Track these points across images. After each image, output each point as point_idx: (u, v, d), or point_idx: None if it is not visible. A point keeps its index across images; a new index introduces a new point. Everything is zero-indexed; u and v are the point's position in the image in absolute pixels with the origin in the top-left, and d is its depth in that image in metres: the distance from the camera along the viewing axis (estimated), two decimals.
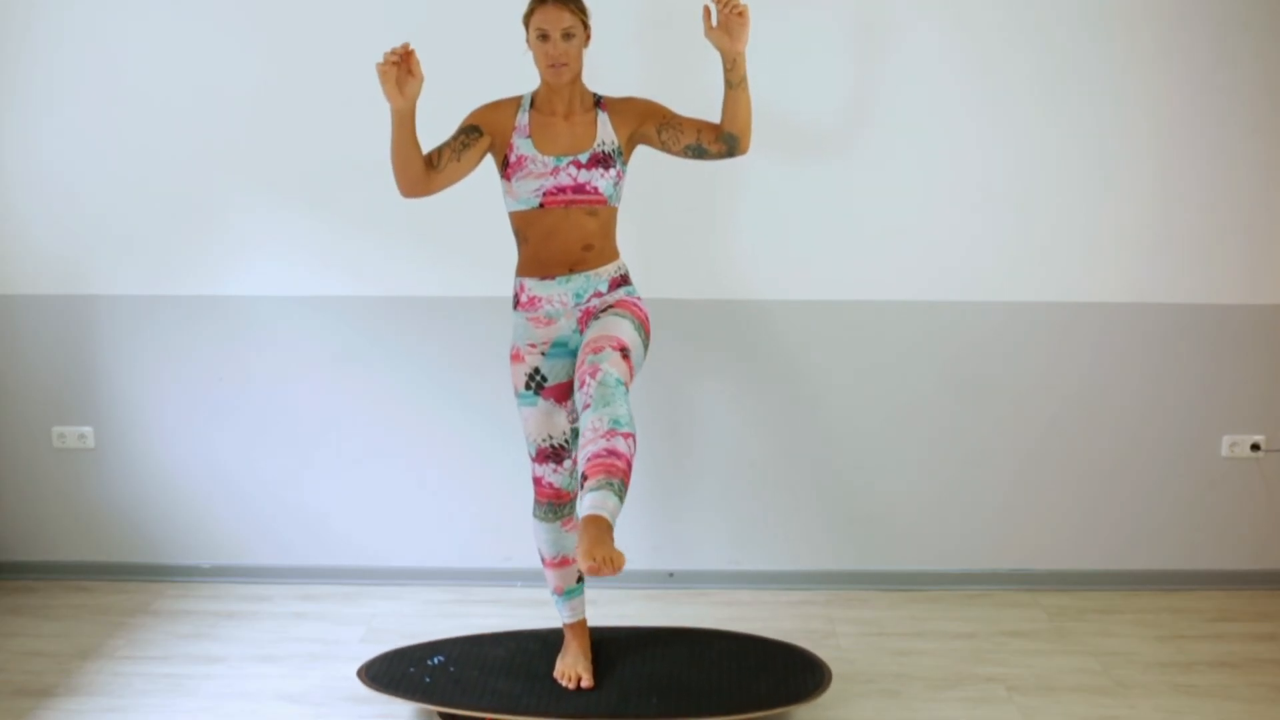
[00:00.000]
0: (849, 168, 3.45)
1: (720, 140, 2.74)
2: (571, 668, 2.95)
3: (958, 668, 3.21)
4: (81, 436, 3.68)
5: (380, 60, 2.47)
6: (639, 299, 2.84)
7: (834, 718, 2.95)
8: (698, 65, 3.07)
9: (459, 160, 2.68)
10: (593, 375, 2.51)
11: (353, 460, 3.67)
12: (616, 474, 2.39)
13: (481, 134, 2.72)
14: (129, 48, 3.41)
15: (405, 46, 2.50)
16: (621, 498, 2.38)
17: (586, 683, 2.91)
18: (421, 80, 2.51)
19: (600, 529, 2.32)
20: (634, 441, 2.46)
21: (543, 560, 3.03)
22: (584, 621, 3.06)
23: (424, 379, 3.57)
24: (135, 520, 3.73)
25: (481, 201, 3.19)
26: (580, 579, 3.03)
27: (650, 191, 3.30)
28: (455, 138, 2.71)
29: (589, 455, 2.42)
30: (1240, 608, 3.57)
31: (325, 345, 3.60)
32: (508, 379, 3.20)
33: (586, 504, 2.37)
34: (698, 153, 2.78)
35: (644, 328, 2.76)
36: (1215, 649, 3.31)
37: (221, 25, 3.39)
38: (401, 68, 2.49)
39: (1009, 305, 3.53)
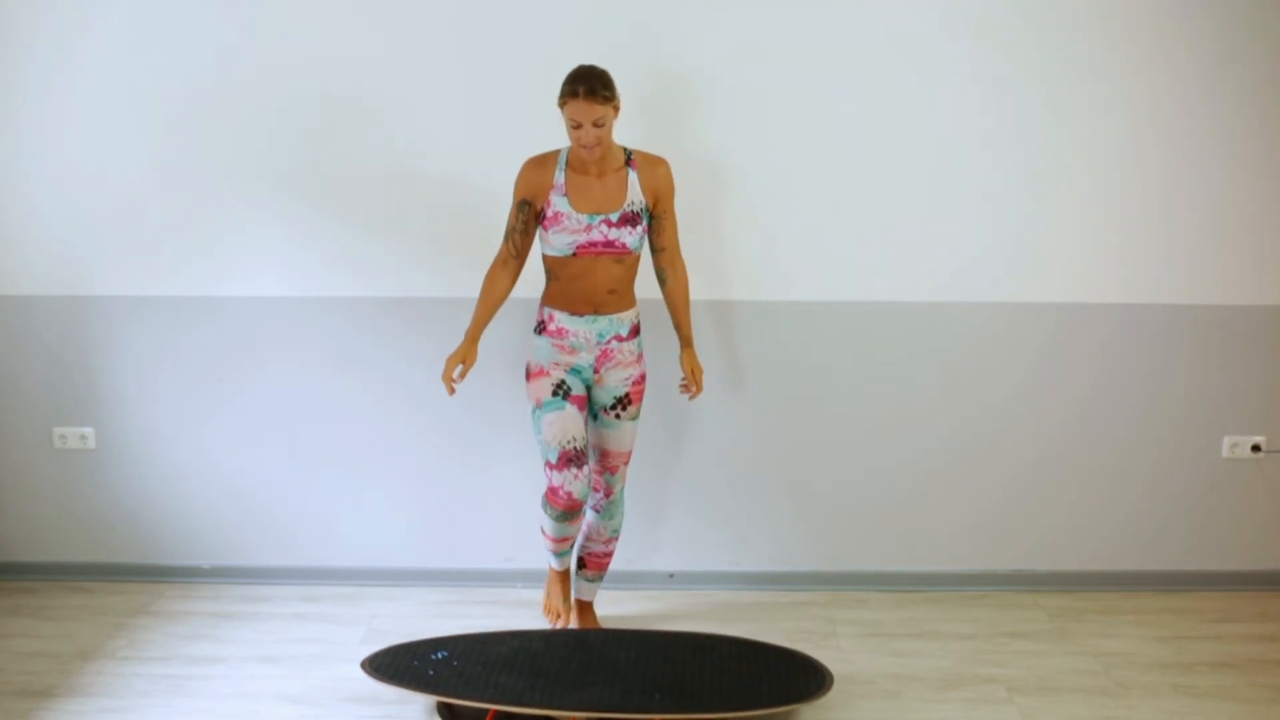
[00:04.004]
0: (851, 169, 3.45)
1: (659, 268, 3.16)
2: (555, 601, 3.36)
3: (958, 668, 3.21)
4: (82, 437, 3.68)
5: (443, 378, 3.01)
6: (642, 359, 3.17)
7: (835, 718, 2.95)
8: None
9: (528, 234, 3.04)
10: (608, 495, 3.24)
11: (353, 461, 3.67)
12: (606, 568, 3.37)
13: (532, 205, 3.01)
14: (131, 47, 3.41)
15: (456, 381, 3.03)
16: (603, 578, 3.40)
17: (564, 622, 3.37)
18: (474, 362, 3.04)
19: (592, 614, 3.43)
20: (618, 537, 3.34)
21: (544, 533, 3.23)
22: (568, 571, 3.38)
23: (425, 381, 3.56)
24: (135, 521, 3.73)
25: (482, 204, 3.20)
26: (572, 546, 3.30)
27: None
28: (517, 218, 3.02)
29: (593, 553, 3.33)
30: (1241, 608, 3.57)
31: (326, 346, 3.60)
32: (509, 380, 3.22)
33: (585, 590, 3.39)
34: (652, 251, 3.15)
35: (641, 403, 3.20)
36: (1216, 650, 3.31)
37: (225, 25, 3.39)
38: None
39: (1009, 306, 3.53)
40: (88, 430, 3.68)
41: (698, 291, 3.51)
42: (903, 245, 3.49)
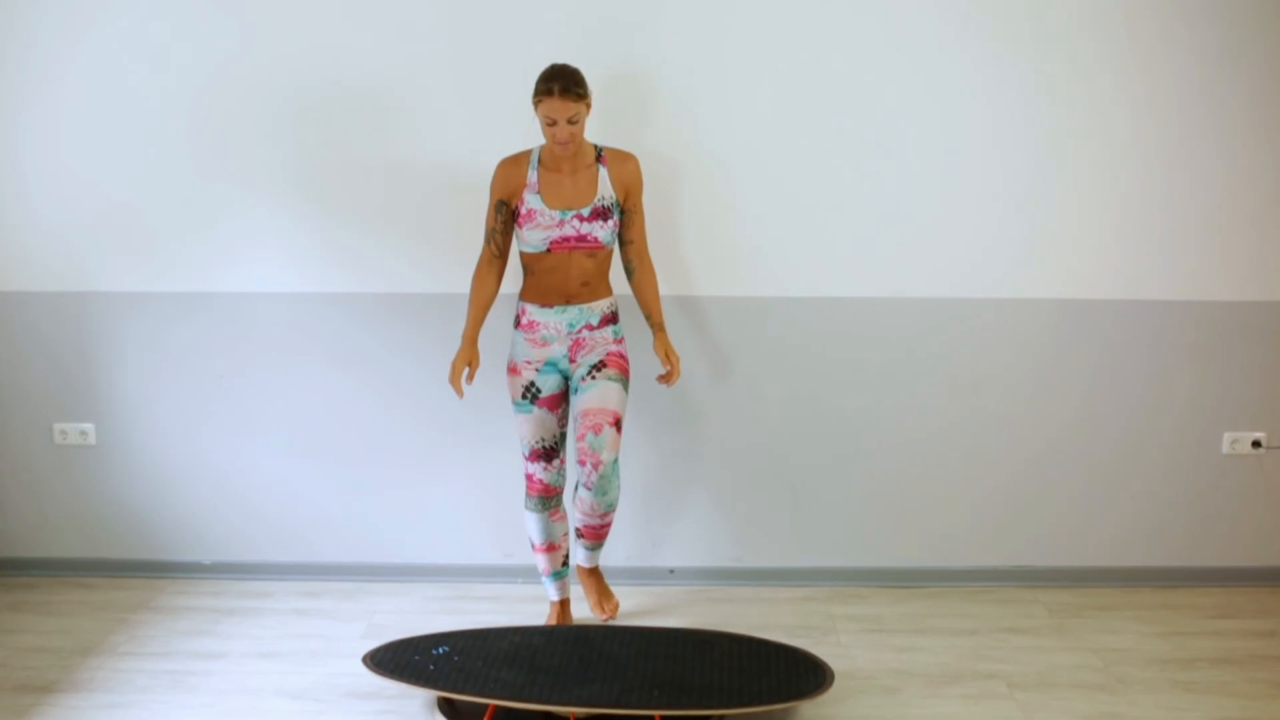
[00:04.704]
0: (854, 165, 3.45)
1: (627, 261, 3.19)
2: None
3: (958, 664, 3.21)
4: (82, 433, 3.68)
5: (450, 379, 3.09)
6: (622, 343, 3.19)
7: (834, 714, 2.95)
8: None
9: (507, 233, 3.12)
10: (595, 466, 3.05)
11: (353, 457, 3.67)
12: (604, 537, 3.31)
13: (509, 205, 3.08)
14: (130, 44, 3.41)
15: (464, 384, 3.10)
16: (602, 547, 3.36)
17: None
18: (478, 363, 3.11)
19: (599, 579, 3.43)
20: (615, 509, 3.22)
21: (533, 546, 3.33)
22: (568, 600, 3.38)
23: (425, 376, 3.57)
24: (136, 517, 3.73)
25: (481, 199, 3.19)
26: (565, 562, 3.36)
27: (657, 188, 3.30)
28: (496, 219, 3.10)
29: (588, 525, 3.25)
30: (1240, 604, 3.57)
31: (326, 342, 3.60)
32: (506, 376, 3.22)
33: (583, 557, 3.37)
34: (620, 244, 3.18)
35: (628, 378, 3.19)
36: (1215, 645, 3.31)
37: (222, 22, 3.39)
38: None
39: (1009, 302, 3.53)
40: (88, 426, 3.68)
41: (700, 287, 3.52)
42: (903, 241, 3.49)
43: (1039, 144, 3.42)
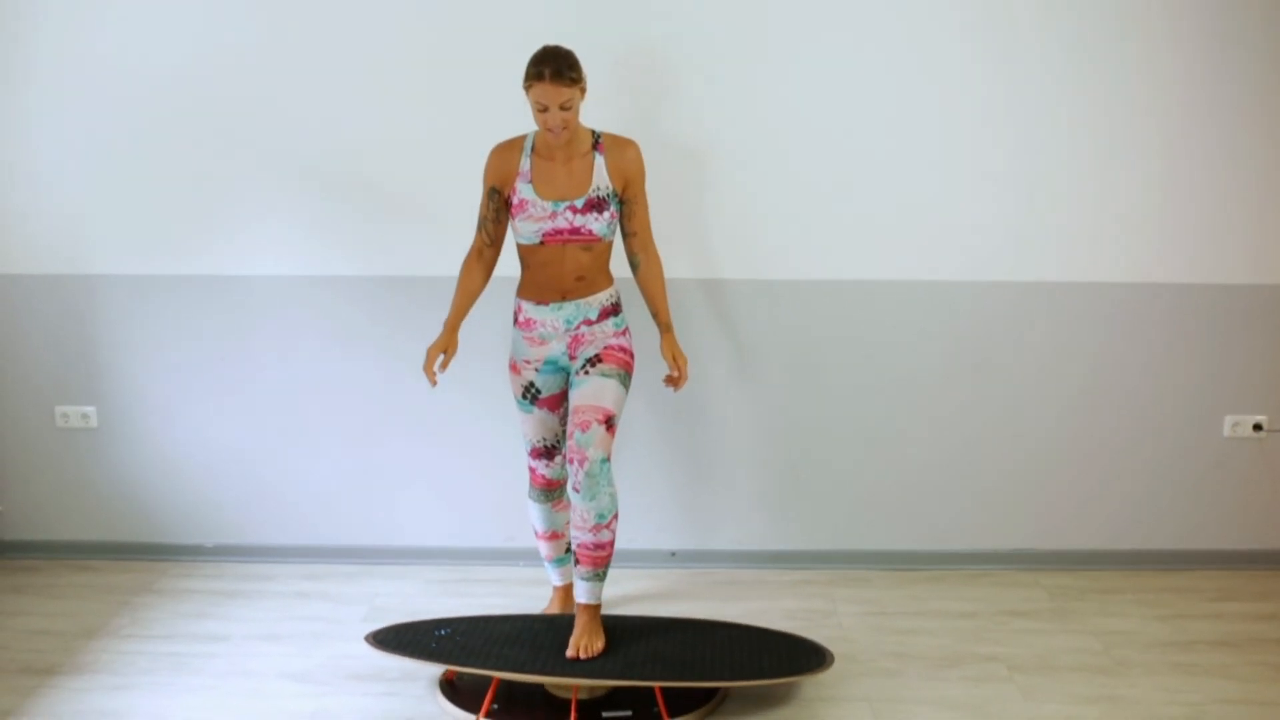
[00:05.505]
0: (858, 149, 3.44)
1: (630, 254, 3.06)
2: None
3: (958, 647, 3.22)
4: (84, 416, 3.69)
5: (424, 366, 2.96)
6: (625, 335, 3.07)
7: (835, 696, 2.96)
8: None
9: (500, 221, 3.02)
10: (582, 464, 2.89)
11: (355, 440, 3.68)
12: (603, 564, 2.99)
13: (501, 193, 2.98)
14: (133, 28, 3.40)
15: (438, 372, 2.97)
16: (605, 578, 3.02)
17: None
18: (455, 352, 2.99)
19: (593, 619, 2.98)
20: (615, 520, 2.97)
21: (536, 534, 3.30)
22: (571, 586, 3.29)
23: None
24: (138, 500, 3.74)
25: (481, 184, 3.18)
26: (568, 549, 3.27)
27: (662, 173, 3.29)
28: (488, 207, 2.99)
29: (580, 543, 2.97)
30: (1241, 587, 3.58)
31: (328, 325, 3.60)
32: (508, 359, 3.21)
33: (582, 591, 2.99)
34: (623, 236, 3.05)
35: (628, 372, 3.05)
36: (1215, 628, 3.32)
37: (225, 5, 3.37)
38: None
39: (1010, 285, 3.53)
40: (89, 409, 3.68)
41: (701, 271, 3.51)
42: (903, 224, 3.48)
43: (1043, 129, 3.41)
